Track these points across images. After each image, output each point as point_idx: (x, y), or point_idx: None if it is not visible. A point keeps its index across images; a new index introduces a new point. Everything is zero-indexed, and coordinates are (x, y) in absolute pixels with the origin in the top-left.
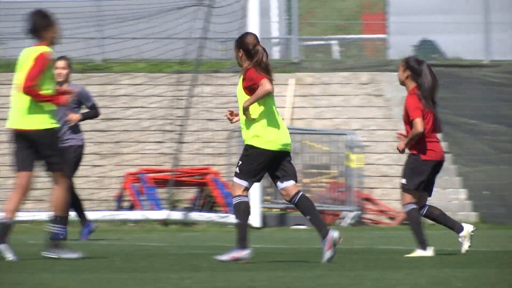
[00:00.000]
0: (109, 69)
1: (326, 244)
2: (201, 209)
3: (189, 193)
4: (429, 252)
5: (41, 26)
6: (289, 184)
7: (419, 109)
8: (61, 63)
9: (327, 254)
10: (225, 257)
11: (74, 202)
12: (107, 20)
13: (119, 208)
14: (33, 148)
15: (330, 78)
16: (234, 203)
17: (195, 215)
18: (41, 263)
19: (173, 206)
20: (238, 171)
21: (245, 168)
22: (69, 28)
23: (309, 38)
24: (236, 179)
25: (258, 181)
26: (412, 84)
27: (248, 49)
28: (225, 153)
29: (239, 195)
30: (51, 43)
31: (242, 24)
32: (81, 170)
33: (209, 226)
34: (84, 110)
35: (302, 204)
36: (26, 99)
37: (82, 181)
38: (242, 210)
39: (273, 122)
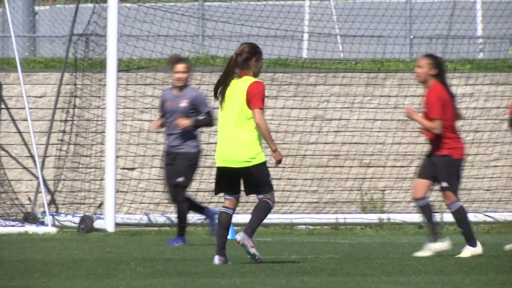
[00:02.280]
0: None
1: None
2: None
3: None
4: (479, 249)
5: None
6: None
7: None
8: (180, 67)
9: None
10: None
11: (192, 206)
12: None
13: None
14: None
15: None
16: None
17: None
18: None
19: None
20: None
21: None
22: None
23: None
24: None
25: (229, 193)
26: (433, 81)
27: None
28: None
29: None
30: None
31: None
32: None
33: None
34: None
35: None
36: None
37: None
38: (219, 220)
39: (219, 138)
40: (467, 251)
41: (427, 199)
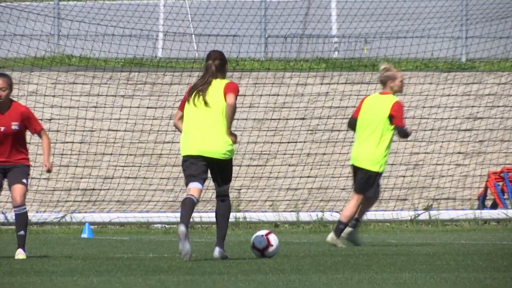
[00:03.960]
0: (474, 68)
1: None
2: None
3: None
4: None
5: None
6: (216, 189)
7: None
8: None
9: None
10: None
11: None
12: (473, 19)
13: (482, 207)
14: None
15: None
16: None
17: None
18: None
19: None
20: None
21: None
22: (436, 27)
23: None
24: None
25: (197, 182)
26: None
27: None
28: None
29: (187, 194)
30: None
31: None
32: (445, 170)
33: None
34: None
35: (216, 209)
36: None
37: (446, 180)
38: (183, 204)
39: (187, 129)
40: None
41: None
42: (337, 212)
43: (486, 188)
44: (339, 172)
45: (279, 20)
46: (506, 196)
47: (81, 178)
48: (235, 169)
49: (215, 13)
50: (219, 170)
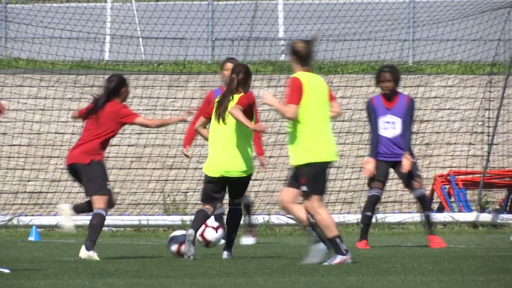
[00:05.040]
0: (421, 71)
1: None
2: (511, 211)
3: (499, 195)
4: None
5: None
6: (231, 200)
7: None
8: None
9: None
10: None
11: None
12: (420, 22)
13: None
14: None
15: None
16: None
17: (506, 217)
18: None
19: (482, 208)
20: None
21: None
22: (383, 30)
23: None
24: None
25: (217, 200)
26: None
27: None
28: None
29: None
30: None
31: None
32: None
33: None
34: None
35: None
36: None
37: (392, 183)
38: (198, 213)
39: (211, 147)
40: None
41: None
42: (282, 215)
43: (432, 191)
44: (285, 175)
45: (226, 23)
46: (452, 199)
47: (28, 181)
48: (181, 172)
49: (162, 16)
50: (239, 185)
